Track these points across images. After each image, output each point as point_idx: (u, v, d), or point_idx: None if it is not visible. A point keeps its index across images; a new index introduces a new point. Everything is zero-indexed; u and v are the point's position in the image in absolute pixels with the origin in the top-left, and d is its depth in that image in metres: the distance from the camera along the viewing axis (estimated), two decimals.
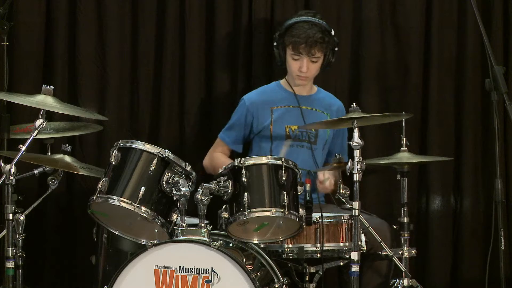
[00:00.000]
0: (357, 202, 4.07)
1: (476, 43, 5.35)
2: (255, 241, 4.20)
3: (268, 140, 4.81)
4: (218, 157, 4.83)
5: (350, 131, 4.15)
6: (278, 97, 4.85)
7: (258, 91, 4.93)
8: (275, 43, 4.78)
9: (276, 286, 4.11)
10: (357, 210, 4.07)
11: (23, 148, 3.87)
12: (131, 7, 5.26)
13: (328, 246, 4.25)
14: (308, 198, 4.12)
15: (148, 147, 4.11)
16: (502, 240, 4.19)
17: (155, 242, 3.91)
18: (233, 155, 4.88)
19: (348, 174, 4.10)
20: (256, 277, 4.06)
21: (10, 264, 3.88)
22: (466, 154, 5.38)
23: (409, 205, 4.56)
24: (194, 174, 4.14)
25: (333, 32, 4.73)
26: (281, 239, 4.20)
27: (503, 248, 4.19)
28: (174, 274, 3.91)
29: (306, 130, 4.80)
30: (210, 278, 3.89)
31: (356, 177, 4.07)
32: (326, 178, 4.59)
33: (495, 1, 5.39)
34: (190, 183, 4.08)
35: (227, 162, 4.34)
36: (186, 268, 3.90)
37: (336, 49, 4.76)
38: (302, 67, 4.70)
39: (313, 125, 4.77)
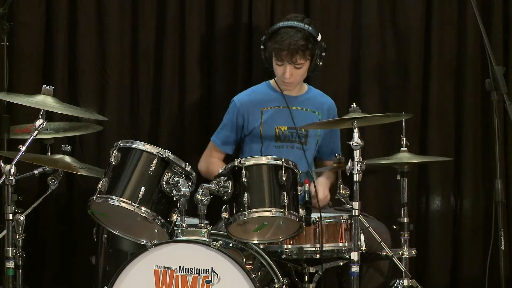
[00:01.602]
0: (357, 202, 4.07)
1: (476, 43, 5.35)
2: (255, 241, 4.20)
3: (258, 141, 4.80)
4: (214, 163, 4.81)
5: (350, 132, 4.15)
6: (268, 98, 4.84)
7: (248, 91, 4.92)
8: (262, 47, 4.77)
9: (276, 286, 4.11)
10: (357, 211, 4.07)
11: (23, 148, 3.87)
12: (131, 7, 5.26)
13: (327, 246, 4.25)
14: (307, 198, 4.12)
15: (148, 147, 4.11)
16: (502, 240, 4.19)
17: (155, 242, 3.91)
18: (228, 159, 4.87)
19: (348, 174, 4.10)
20: (256, 277, 4.06)
21: (10, 264, 3.88)
22: (466, 154, 5.38)
23: (409, 205, 4.56)
24: (194, 174, 4.14)
25: (319, 37, 4.70)
26: (281, 239, 4.20)
27: (503, 248, 4.19)
28: (174, 274, 3.91)
29: (296, 131, 4.79)
30: (210, 278, 3.89)
31: (356, 177, 4.07)
32: (317, 193, 4.57)
33: (495, 1, 5.39)
34: (190, 183, 4.08)
35: None
36: (186, 268, 3.90)
37: (324, 54, 4.72)
38: (285, 73, 4.68)
39: (310, 126, 4.76)
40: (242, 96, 4.89)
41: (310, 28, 4.66)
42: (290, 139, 4.81)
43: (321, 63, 4.72)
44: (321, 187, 4.61)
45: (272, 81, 4.89)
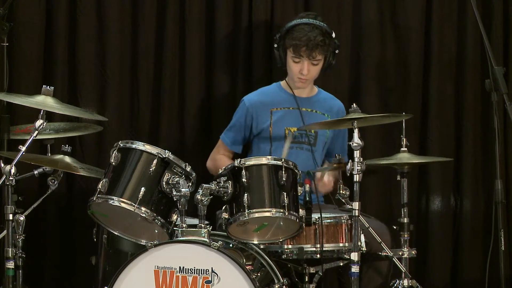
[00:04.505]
0: (357, 203, 4.07)
1: (476, 43, 5.35)
2: (255, 242, 4.20)
3: (267, 142, 4.80)
4: (221, 159, 4.82)
5: (350, 132, 4.15)
6: (278, 98, 4.84)
7: (258, 92, 4.93)
8: (275, 45, 4.77)
9: (276, 286, 4.11)
10: (357, 211, 4.07)
11: (23, 148, 3.87)
12: (131, 7, 5.26)
13: (327, 246, 4.25)
14: (307, 198, 4.12)
15: (148, 148, 4.11)
16: (502, 240, 4.19)
17: (155, 242, 3.91)
18: (236, 157, 4.87)
19: (348, 174, 4.10)
20: (256, 277, 4.06)
21: (10, 264, 3.88)
22: (466, 154, 5.38)
23: (409, 205, 4.56)
24: (194, 174, 4.13)
25: (334, 35, 4.72)
26: (281, 240, 4.20)
27: (503, 249, 4.20)
28: (174, 275, 3.91)
29: (305, 132, 4.80)
30: (210, 278, 3.89)
31: (356, 178, 4.07)
32: (323, 175, 4.60)
33: (495, 1, 5.39)
34: (190, 184, 4.08)
35: None
36: (186, 269, 3.90)
37: (337, 51, 4.74)
38: (303, 70, 4.69)
39: (313, 126, 4.76)
40: (252, 96, 4.90)
41: (325, 25, 4.68)
42: (299, 140, 4.82)
43: (334, 62, 4.74)
44: (326, 175, 4.62)
45: (282, 82, 4.90)
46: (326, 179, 4.62)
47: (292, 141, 4.79)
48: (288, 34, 4.70)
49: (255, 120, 4.83)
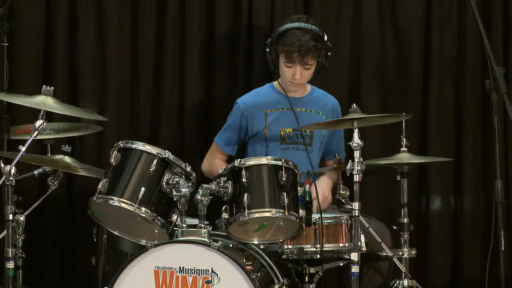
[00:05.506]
0: (357, 203, 4.07)
1: (476, 43, 5.35)
2: (255, 242, 4.20)
3: (263, 143, 4.80)
4: (217, 164, 4.81)
5: (350, 132, 4.15)
6: (272, 100, 4.83)
7: (252, 94, 4.92)
8: (267, 49, 4.76)
9: (276, 286, 4.11)
10: (357, 211, 4.07)
11: (23, 148, 3.87)
12: (131, 7, 5.26)
13: (327, 246, 4.25)
14: (307, 198, 4.12)
15: (148, 148, 4.11)
16: (502, 241, 4.19)
17: (155, 242, 3.91)
18: (231, 160, 4.86)
19: (348, 174, 4.10)
20: (256, 277, 4.06)
21: (10, 264, 3.88)
22: (466, 154, 5.39)
23: (409, 205, 4.56)
24: (194, 174, 4.14)
25: (326, 37, 4.70)
26: (281, 240, 4.20)
27: (503, 249, 4.19)
28: (174, 275, 3.91)
29: (301, 132, 4.79)
30: (210, 278, 3.89)
31: (356, 178, 4.07)
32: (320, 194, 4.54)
33: (495, 1, 5.39)
34: (190, 184, 4.08)
35: None
36: (186, 269, 3.90)
37: (329, 53, 4.73)
38: (296, 75, 4.68)
39: (310, 126, 4.75)
40: (245, 98, 4.89)
41: (317, 28, 4.67)
42: (295, 141, 4.81)
43: (327, 63, 4.73)
44: (321, 189, 4.58)
45: (275, 83, 4.89)
46: (321, 197, 4.53)
47: (288, 141, 4.79)
48: (280, 39, 4.68)
49: (250, 122, 4.82)
